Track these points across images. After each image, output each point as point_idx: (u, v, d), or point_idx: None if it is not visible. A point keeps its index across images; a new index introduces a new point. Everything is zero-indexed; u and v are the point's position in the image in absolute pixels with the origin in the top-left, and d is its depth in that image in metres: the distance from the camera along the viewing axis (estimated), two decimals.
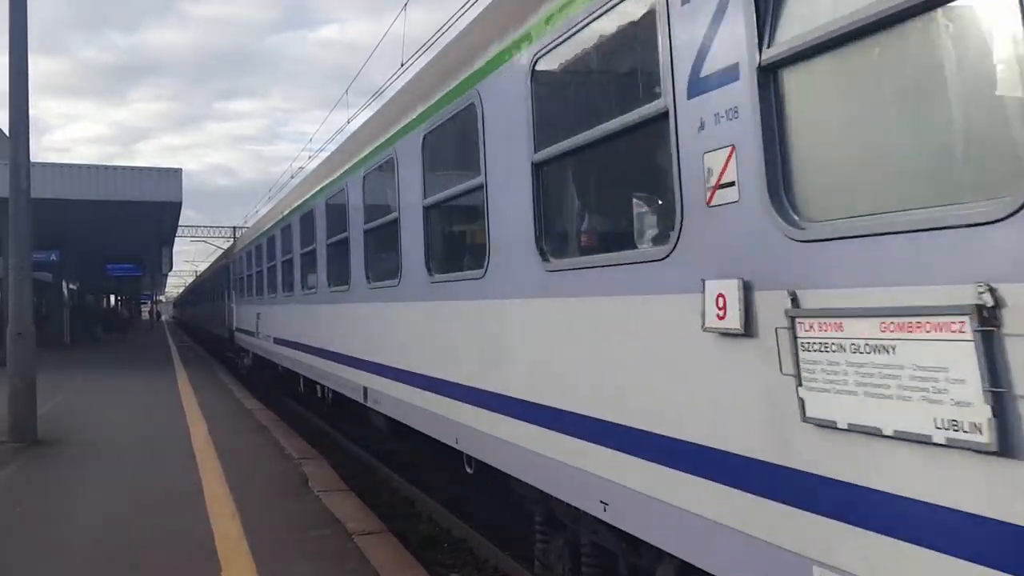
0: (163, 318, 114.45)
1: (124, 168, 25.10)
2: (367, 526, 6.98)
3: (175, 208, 27.26)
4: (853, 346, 2.76)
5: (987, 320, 2.35)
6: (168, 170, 25.13)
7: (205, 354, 33.46)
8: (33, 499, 8.09)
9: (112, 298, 75.05)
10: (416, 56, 16.21)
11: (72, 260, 37.35)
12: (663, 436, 3.84)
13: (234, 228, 67.07)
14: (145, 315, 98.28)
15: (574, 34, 4.57)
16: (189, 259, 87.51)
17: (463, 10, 13.96)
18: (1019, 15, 2.33)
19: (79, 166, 25.05)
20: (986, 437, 2.34)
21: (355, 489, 8.72)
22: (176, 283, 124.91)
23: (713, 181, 3.44)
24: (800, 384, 2.96)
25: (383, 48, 19.05)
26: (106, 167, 25.19)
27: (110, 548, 6.39)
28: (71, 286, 47.47)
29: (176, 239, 41.47)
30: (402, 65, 17.49)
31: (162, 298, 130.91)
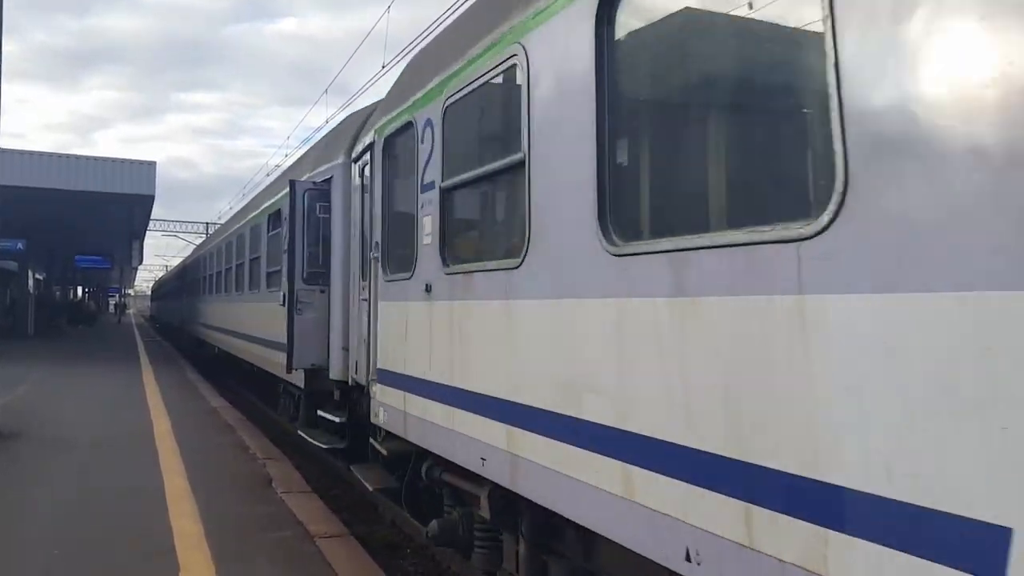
0: (129, 311, 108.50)
1: (97, 159, 24.79)
2: (329, 529, 6.96)
3: (147, 201, 26.97)
4: None
5: None
6: (142, 162, 24.91)
7: (171, 348, 33.09)
8: None
9: (79, 290, 73.83)
10: (397, 59, 16.19)
11: (40, 250, 36.77)
12: None
13: (207, 224, 66.26)
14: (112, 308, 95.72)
15: None
16: (160, 253, 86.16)
17: (447, 11, 13.96)
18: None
19: (51, 154, 24.68)
20: None
21: (318, 491, 8.67)
22: (146, 276, 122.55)
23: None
24: None
25: (352, 45, 19.14)
26: (78, 157, 24.83)
27: (67, 546, 6.30)
28: (37, 276, 46.67)
29: (147, 232, 41.01)
30: (383, 66, 17.44)
31: (131, 291, 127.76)
